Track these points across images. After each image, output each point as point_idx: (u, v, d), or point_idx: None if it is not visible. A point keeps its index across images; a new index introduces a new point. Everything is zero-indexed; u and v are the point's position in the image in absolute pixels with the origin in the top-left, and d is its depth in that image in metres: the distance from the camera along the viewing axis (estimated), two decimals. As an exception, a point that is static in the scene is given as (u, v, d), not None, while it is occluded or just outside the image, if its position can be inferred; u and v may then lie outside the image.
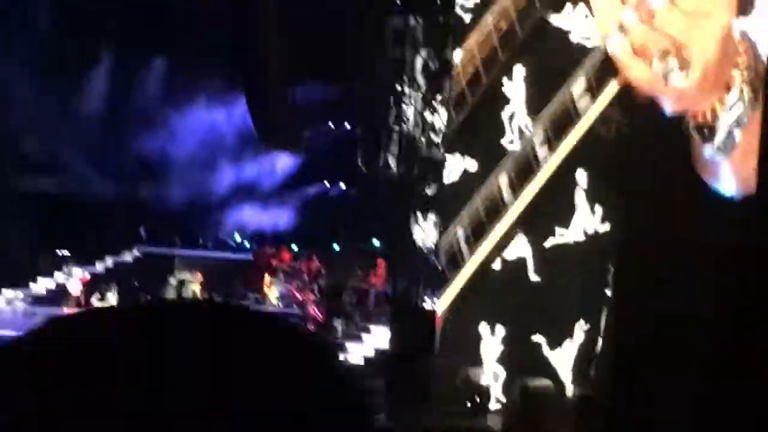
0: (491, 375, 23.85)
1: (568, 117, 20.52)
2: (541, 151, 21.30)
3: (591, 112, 19.60)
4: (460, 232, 21.90)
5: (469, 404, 22.50)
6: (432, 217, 26.76)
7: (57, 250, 35.70)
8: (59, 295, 32.40)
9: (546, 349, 21.80)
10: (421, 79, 27.03)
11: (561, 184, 20.66)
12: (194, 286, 32.57)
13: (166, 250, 36.26)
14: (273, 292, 32.54)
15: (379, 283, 30.48)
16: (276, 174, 39.66)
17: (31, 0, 36.41)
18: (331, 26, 37.11)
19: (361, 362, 26.82)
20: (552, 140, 20.92)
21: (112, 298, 30.54)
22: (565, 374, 21.76)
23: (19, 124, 36.31)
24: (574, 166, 20.89)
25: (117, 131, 38.08)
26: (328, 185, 39.45)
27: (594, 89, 19.72)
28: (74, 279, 32.12)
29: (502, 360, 23.30)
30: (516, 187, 21.33)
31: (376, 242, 35.65)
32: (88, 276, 33.02)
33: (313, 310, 30.36)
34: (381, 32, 35.94)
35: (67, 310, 31.98)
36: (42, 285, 34.26)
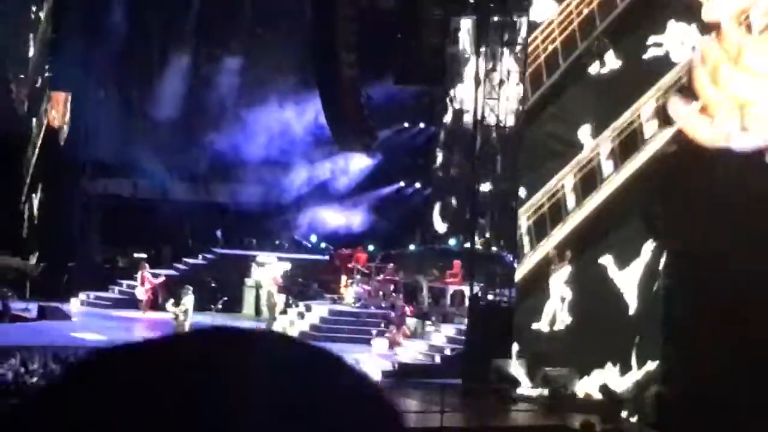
0: (558, 300, 23.83)
1: (633, 137, 20.43)
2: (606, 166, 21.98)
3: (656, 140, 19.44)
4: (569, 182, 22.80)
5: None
6: (504, 215, 26.65)
7: (134, 254, 35.84)
8: (135, 298, 32.56)
9: (613, 270, 22.04)
10: (485, 79, 26.97)
11: None
12: (270, 287, 32.47)
13: (243, 251, 36.24)
14: (349, 292, 32.39)
15: (456, 283, 30.31)
16: (351, 175, 39.62)
17: (106, 4, 36.63)
18: (404, 29, 37.10)
19: (438, 361, 26.69)
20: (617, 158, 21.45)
21: (188, 301, 30.58)
22: (631, 294, 21.76)
23: (95, 127, 36.57)
24: None
25: (192, 134, 38.21)
26: (403, 185, 39.33)
27: (661, 116, 19.31)
28: (146, 283, 32.19)
29: (569, 282, 23.48)
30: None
31: (451, 242, 35.47)
32: (161, 279, 33.06)
33: (391, 311, 30.27)
34: (447, 35, 35.94)
35: (142, 313, 32.15)
36: (118, 288, 34.42)
